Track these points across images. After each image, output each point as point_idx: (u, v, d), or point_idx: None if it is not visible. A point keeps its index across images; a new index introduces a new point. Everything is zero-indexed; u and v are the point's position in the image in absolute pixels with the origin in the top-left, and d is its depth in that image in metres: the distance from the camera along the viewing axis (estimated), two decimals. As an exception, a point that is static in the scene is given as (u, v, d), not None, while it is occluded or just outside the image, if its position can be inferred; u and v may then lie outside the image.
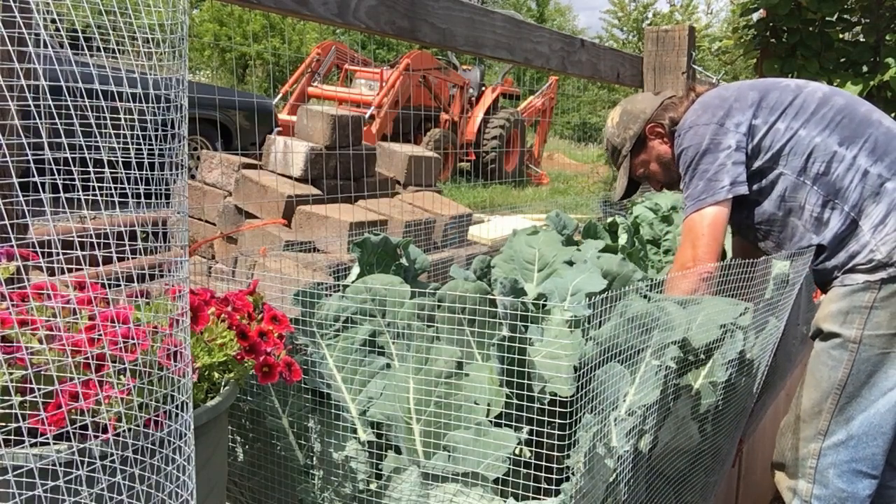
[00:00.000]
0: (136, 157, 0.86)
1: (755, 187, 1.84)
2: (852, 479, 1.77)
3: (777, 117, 1.84)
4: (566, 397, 1.26)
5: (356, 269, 1.75)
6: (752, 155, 1.84)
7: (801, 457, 1.83)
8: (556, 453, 1.21)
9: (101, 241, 0.82)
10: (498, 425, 1.30)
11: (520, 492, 1.23)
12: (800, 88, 1.89)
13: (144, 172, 0.87)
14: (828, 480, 1.79)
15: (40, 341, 0.85)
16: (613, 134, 2.14)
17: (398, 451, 1.37)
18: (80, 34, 0.83)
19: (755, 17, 4.94)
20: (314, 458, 1.39)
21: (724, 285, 1.67)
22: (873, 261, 1.72)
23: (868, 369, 1.73)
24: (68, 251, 0.84)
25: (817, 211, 1.79)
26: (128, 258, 0.89)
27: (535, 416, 1.26)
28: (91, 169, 0.81)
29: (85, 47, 0.82)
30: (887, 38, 4.43)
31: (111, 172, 0.83)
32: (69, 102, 0.80)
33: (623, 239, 2.70)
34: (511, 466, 1.25)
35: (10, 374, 0.83)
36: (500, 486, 1.25)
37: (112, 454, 0.83)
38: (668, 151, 2.03)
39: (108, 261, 0.85)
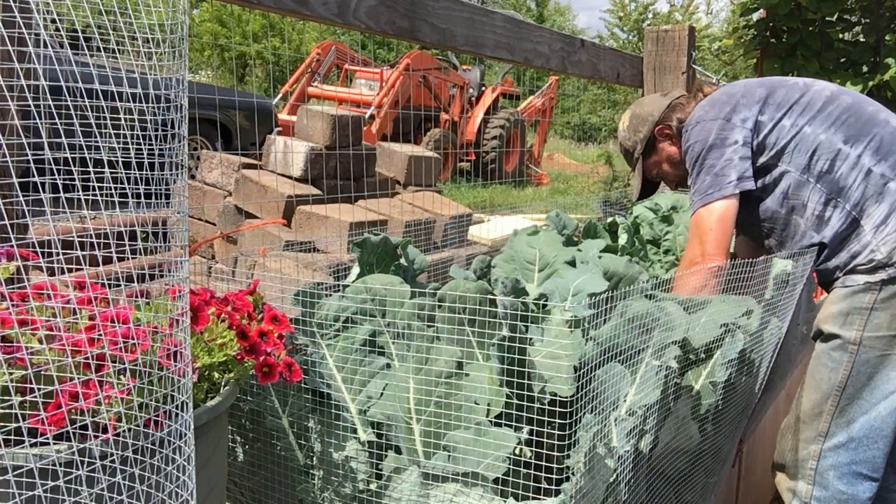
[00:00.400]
0: (136, 157, 0.86)
1: (759, 184, 1.84)
2: (852, 481, 1.77)
3: (783, 114, 1.83)
4: (566, 397, 1.26)
5: (356, 269, 1.75)
6: (757, 151, 1.84)
7: (802, 458, 1.83)
8: (556, 453, 1.21)
9: (101, 241, 0.82)
10: (498, 425, 1.30)
11: (520, 492, 1.23)
12: (807, 86, 1.89)
13: (144, 172, 0.87)
14: (828, 482, 1.78)
15: (40, 341, 0.85)
16: (625, 138, 2.16)
17: (398, 451, 1.37)
18: (80, 34, 0.83)
19: (755, 17, 4.94)
20: (314, 458, 1.39)
21: (725, 285, 1.67)
22: (873, 261, 1.71)
23: (868, 371, 1.73)
24: (68, 251, 0.84)
25: (819, 209, 1.79)
26: (128, 258, 0.89)
27: (535, 416, 1.26)
28: (91, 169, 0.81)
29: (85, 47, 0.82)
30: (887, 38, 4.43)
31: (111, 172, 0.83)
32: (69, 102, 0.80)
33: (623, 239, 2.70)
34: (511, 466, 1.25)
35: (10, 374, 0.83)
36: (500, 486, 1.25)
37: (112, 454, 0.83)
38: (677, 152, 2.04)
39: (108, 261, 0.85)
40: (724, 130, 1.84)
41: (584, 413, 1.18)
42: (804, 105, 1.84)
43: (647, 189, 2.24)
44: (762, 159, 1.83)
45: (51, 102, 0.80)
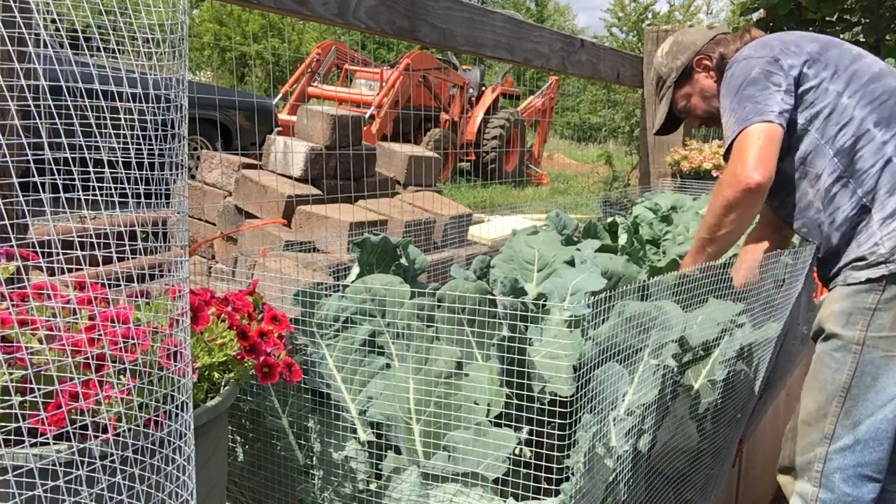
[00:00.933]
0: (136, 157, 0.86)
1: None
2: (857, 483, 1.75)
3: (829, 76, 1.79)
4: (566, 397, 1.27)
5: (356, 269, 1.75)
6: (793, 104, 1.78)
7: (807, 461, 1.81)
8: (555, 453, 1.21)
9: (101, 241, 0.82)
10: (498, 425, 1.30)
11: (520, 492, 1.23)
12: (859, 56, 1.84)
13: (144, 172, 0.87)
14: (833, 485, 1.77)
15: (40, 341, 0.85)
16: (661, 63, 2.12)
17: (398, 451, 1.37)
18: (80, 34, 0.83)
19: (755, 17, 4.95)
20: (314, 458, 1.39)
21: (722, 283, 1.67)
22: (875, 254, 1.68)
23: (872, 371, 1.71)
24: (68, 251, 0.84)
25: (829, 183, 1.75)
26: (128, 258, 0.89)
27: (534, 416, 1.26)
28: (91, 169, 0.81)
29: (85, 47, 0.82)
30: (887, 38, 4.43)
31: (111, 172, 0.83)
32: (69, 102, 0.80)
33: (623, 239, 2.70)
34: (511, 466, 1.25)
35: (10, 374, 0.83)
36: (499, 486, 1.25)
37: (112, 454, 0.83)
38: (712, 86, 2.00)
39: (108, 261, 0.85)
40: (770, 67, 1.78)
41: (584, 413, 1.18)
42: (851, 74, 1.79)
43: (669, 125, 2.18)
44: (794, 114, 1.78)
45: (51, 102, 0.81)
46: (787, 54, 1.81)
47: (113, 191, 0.85)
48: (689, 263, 1.89)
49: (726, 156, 1.80)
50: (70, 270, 0.87)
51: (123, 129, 0.85)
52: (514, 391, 1.29)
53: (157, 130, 0.88)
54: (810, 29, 4.57)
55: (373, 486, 1.36)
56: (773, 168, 1.69)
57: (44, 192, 0.81)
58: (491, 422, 1.30)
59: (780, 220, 1.93)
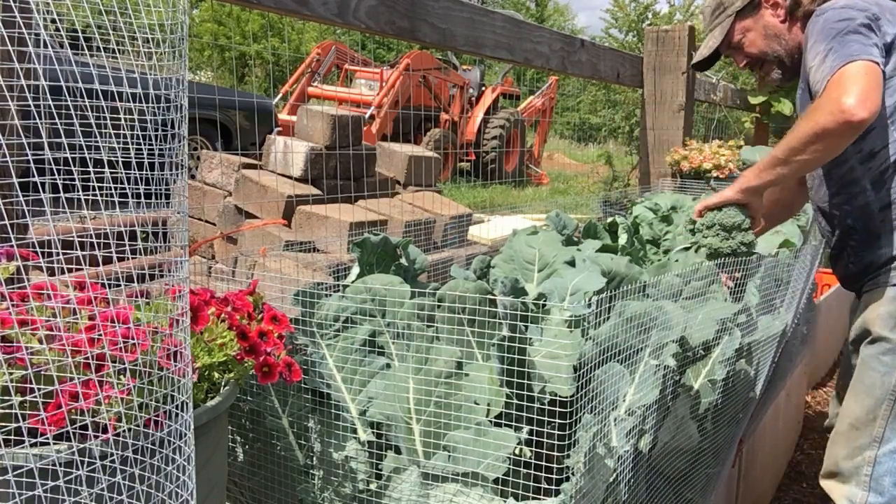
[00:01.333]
0: (136, 157, 0.86)
1: None
2: None
3: None
4: (566, 397, 1.27)
5: (356, 269, 1.75)
6: None
7: (856, 465, 1.78)
8: (556, 453, 1.21)
9: (101, 241, 0.82)
10: (498, 425, 1.30)
11: (520, 492, 1.23)
12: None
13: (144, 172, 0.87)
14: (883, 488, 1.74)
15: (40, 341, 0.85)
16: None
17: (398, 451, 1.37)
18: (80, 34, 0.83)
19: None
20: (314, 458, 1.39)
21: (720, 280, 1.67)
22: None
23: None
24: (68, 251, 0.84)
25: (884, 166, 1.71)
26: (128, 258, 0.89)
27: (535, 416, 1.26)
28: (91, 169, 0.81)
29: (85, 47, 0.82)
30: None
31: (111, 172, 0.83)
32: (69, 102, 0.80)
33: (623, 239, 2.70)
34: (511, 466, 1.25)
35: (10, 374, 0.83)
36: (500, 486, 1.25)
37: (112, 454, 0.83)
38: (779, 27, 1.93)
39: (108, 261, 0.85)
40: (871, 23, 1.71)
41: (584, 413, 1.18)
42: None
43: (708, 60, 2.10)
44: None
45: (51, 102, 0.81)
46: (884, 20, 1.74)
47: (113, 191, 0.85)
48: (752, 177, 1.82)
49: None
50: (70, 270, 0.87)
51: (123, 129, 0.85)
52: (515, 391, 1.29)
53: (157, 130, 0.88)
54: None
55: (373, 486, 1.36)
56: (878, 107, 1.57)
57: (44, 192, 0.81)
58: (491, 422, 1.30)
59: (827, 191, 1.87)
